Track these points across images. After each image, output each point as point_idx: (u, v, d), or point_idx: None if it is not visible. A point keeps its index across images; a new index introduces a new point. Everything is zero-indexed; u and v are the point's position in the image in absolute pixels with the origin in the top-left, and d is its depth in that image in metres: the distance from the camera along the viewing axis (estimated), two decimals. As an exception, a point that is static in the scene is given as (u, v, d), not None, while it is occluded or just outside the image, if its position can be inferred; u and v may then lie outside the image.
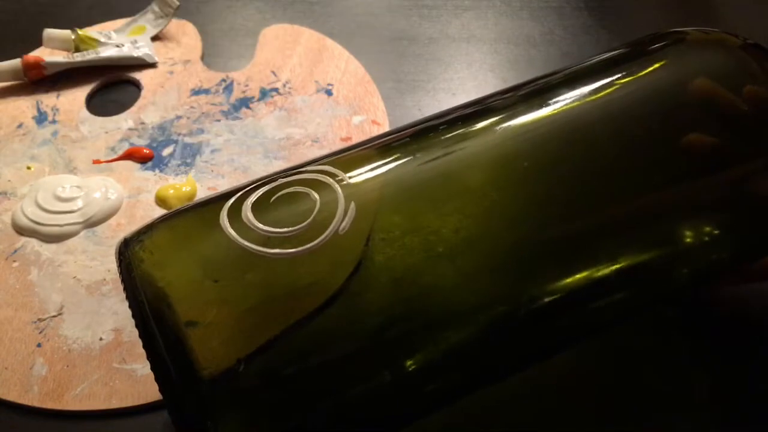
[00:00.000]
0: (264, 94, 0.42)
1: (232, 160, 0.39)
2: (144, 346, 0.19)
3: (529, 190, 0.22)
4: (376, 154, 0.23)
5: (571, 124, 0.22)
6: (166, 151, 0.40)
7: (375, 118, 0.40)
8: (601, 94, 0.23)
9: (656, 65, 0.24)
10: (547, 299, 0.21)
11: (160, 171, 0.38)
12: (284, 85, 0.43)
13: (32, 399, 0.29)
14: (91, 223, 0.36)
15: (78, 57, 0.44)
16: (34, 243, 0.35)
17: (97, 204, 0.36)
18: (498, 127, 0.23)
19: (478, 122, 0.23)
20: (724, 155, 0.22)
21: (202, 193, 0.37)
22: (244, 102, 0.42)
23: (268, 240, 0.20)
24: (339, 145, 0.39)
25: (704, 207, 0.22)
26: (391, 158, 0.22)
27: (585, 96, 0.23)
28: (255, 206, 0.21)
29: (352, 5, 0.51)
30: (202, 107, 0.42)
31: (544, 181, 0.22)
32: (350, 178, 0.21)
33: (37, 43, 0.46)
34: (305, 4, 0.51)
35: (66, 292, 0.33)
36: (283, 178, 0.22)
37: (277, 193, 0.21)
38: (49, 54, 0.45)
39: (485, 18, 0.49)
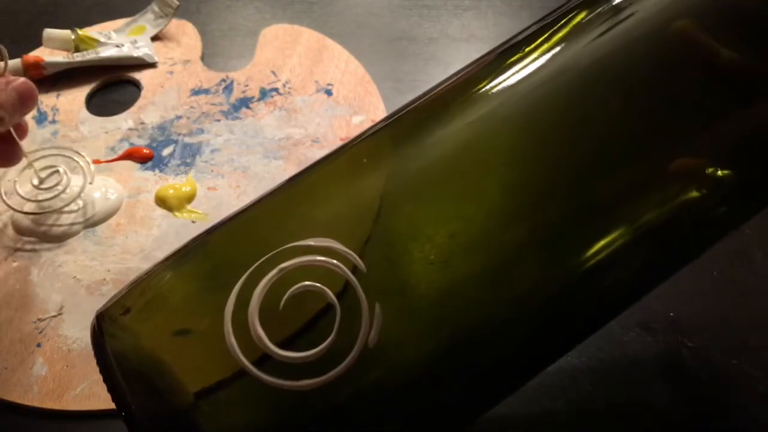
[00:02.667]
0: (264, 94, 0.42)
1: (231, 160, 0.39)
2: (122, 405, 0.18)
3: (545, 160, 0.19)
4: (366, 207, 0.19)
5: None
6: (165, 151, 0.40)
7: (375, 118, 0.40)
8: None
9: None
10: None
11: (160, 171, 0.38)
12: (284, 85, 0.43)
13: (32, 399, 0.29)
14: (91, 223, 0.36)
15: (78, 57, 0.44)
16: (34, 243, 0.35)
17: (96, 204, 0.36)
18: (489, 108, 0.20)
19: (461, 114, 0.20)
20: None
21: (202, 193, 0.37)
22: (244, 102, 0.42)
23: (287, 368, 0.17)
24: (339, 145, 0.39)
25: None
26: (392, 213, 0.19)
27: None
28: (263, 317, 0.18)
29: (352, 5, 0.51)
30: (202, 107, 0.42)
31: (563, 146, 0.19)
32: (367, 264, 0.18)
33: (37, 43, 0.46)
34: (305, 4, 0.50)
35: (66, 292, 0.33)
36: (288, 258, 0.18)
37: (285, 293, 0.18)
38: (49, 54, 0.45)
39: (485, 18, 0.49)
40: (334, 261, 0.18)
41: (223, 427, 0.18)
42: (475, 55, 0.22)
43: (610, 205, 0.19)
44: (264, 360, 0.17)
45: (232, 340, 0.17)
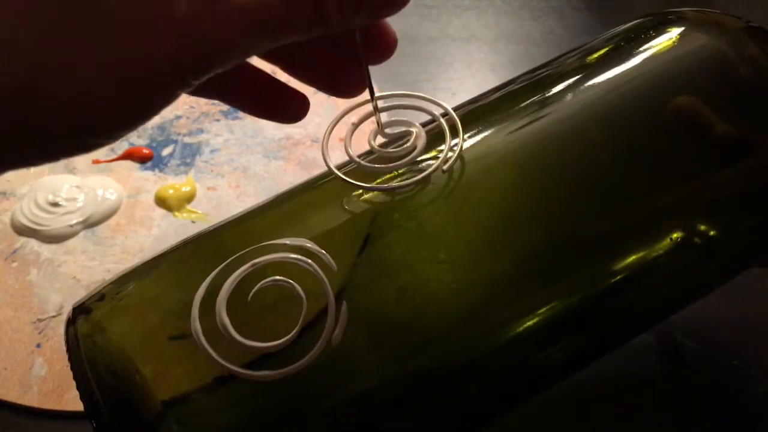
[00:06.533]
0: (264, 93, 0.42)
1: (231, 160, 0.39)
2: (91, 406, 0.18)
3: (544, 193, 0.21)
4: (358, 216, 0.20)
5: (578, 123, 0.21)
6: (165, 151, 0.40)
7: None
8: (599, 90, 0.22)
9: (652, 52, 0.22)
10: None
11: (160, 171, 0.38)
12: (284, 85, 0.43)
13: (31, 399, 0.29)
14: (90, 223, 0.36)
15: (77, 57, 0.44)
16: (33, 243, 0.35)
17: (96, 204, 0.36)
18: (497, 135, 0.22)
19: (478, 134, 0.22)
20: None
21: (202, 193, 0.37)
22: (244, 102, 0.42)
23: (247, 356, 0.17)
24: (338, 145, 0.39)
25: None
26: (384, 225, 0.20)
27: (583, 94, 0.22)
28: (231, 305, 0.17)
29: (351, 5, 0.51)
30: (202, 107, 0.42)
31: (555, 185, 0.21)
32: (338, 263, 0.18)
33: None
34: (305, 4, 0.50)
35: (65, 292, 0.33)
36: (261, 254, 0.18)
37: (256, 284, 0.18)
38: (49, 54, 0.45)
39: (485, 17, 0.49)
40: (307, 259, 0.18)
41: (184, 418, 0.18)
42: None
43: (594, 253, 0.20)
44: (227, 346, 0.17)
45: (197, 326, 0.17)
